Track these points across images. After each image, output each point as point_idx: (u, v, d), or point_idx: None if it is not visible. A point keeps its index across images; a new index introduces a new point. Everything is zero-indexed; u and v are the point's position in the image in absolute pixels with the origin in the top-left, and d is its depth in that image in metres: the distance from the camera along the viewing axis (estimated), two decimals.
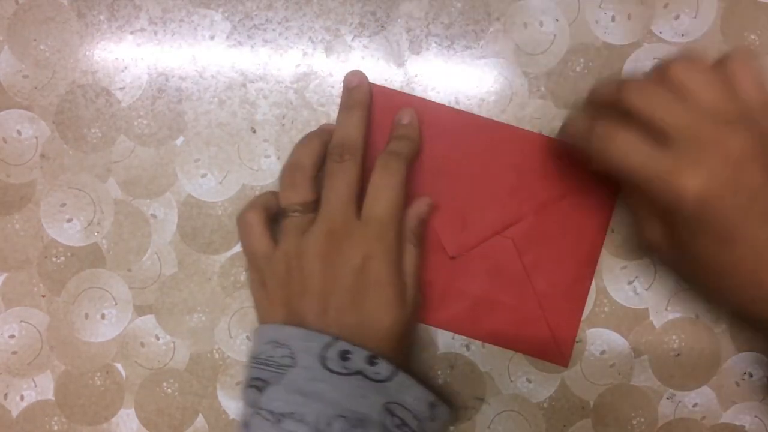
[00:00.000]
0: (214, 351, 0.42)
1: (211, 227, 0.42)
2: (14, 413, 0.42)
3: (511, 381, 0.41)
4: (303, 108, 0.41)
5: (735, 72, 0.33)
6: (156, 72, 0.42)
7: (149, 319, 0.42)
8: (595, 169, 0.35)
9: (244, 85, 0.41)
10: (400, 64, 0.41)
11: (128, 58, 0.42)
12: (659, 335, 0.41)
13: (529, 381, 0.41)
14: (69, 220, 0.42)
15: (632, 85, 0.33)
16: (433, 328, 0.41)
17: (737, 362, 0.41)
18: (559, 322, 0.41)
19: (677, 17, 0.41)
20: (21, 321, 0.42)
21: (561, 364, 0.41)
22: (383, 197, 0.36)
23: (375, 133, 0.40)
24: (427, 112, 0.40)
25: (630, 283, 0.41)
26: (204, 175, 0.42)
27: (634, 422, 0.42)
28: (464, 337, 0.41)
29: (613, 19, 0.41)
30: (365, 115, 0.39)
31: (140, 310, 0.42)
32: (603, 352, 0.42)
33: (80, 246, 0.42)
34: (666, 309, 0.41)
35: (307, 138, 0.39)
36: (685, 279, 0.39)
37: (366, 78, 0.40)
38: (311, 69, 0.41)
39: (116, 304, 0.42)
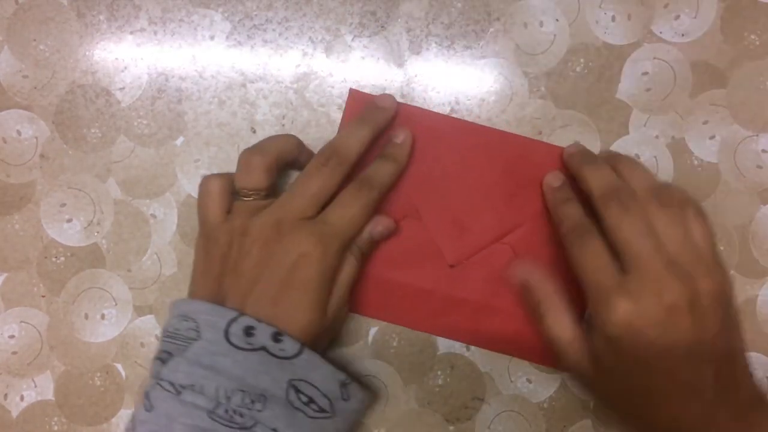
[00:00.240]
0: None
1: None
2: (14, 413, 0.42)
3: (511, 381, 0.41)
4: (303, 108, 0.41)
5: (691, 221, 0.35)
6: (156, 72, 0.42)
7: (149, 320, 0.42)
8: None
9: (244, 85, 0.41)
10: (400, 64, 0.41)
11: (128, 58, 0.42)
12: None
13: (529, 381, 0.41)
14: (69, 220, 0.42)
15: (614, 204, 0.35)
16: None
17: None
18: None
19: (677, 17, 0.41)
20: (21, 321, 0.42)
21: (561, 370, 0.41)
22: (344, 210, 0.36)
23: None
24: (420, 120, 0.40)
25: None
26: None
27: None
28: None
29: (613, 19, 0.41)
30: (374, 136, 0.38)
31: (140, 311, 0.42)
32: None
33: (80, 246, 0.42)
34: None
35: (284, 135, 0.39)
36: (602, 401, 0.40)
37: (395, 107, 0.40)
38: (311, 69, 0.41)
39: (116, 304, 0.42)
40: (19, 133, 0.42)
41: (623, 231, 0.34)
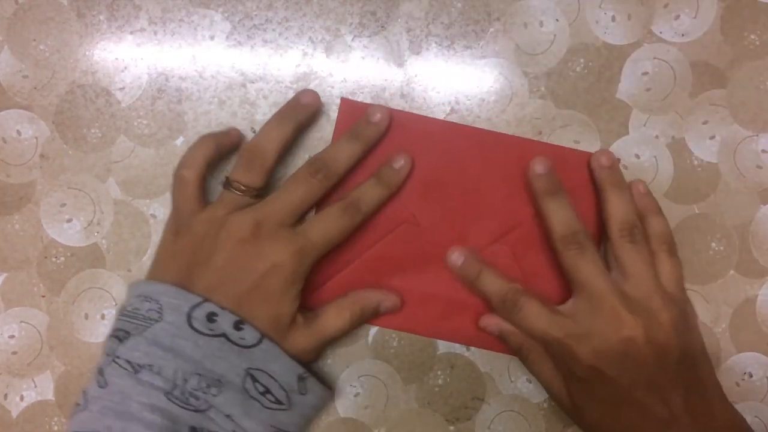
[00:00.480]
0: None
1: None
2: (14, 413, 0.42)
3: (512, 381, 0.41)
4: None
5: (663, 261, 0.38)
6: (156, 72, 0.42)
7: None
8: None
9: (244, 85, 0.41)
10: (400, 64, 0.41)
11: (128, 58, 0.42)
12: None
13: (529, 381, 0.41)
14: (69, 220, 0.42)
15: (568, 246, 0.37)
16: None
17: (737, 362, 0.41)
18: None
19: (677, 17, 0.41)
20: (21, 321, 0.42)
21: None
22: (327, 229, 0.36)
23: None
24: (415, 126, 0.40)
25: None
26: None
27: None
28: None
29: (613, 19, 0.41)
30: (364, 151, 0.39)
31: None
32: None
33: (80, 246, 0.42)
34: None
35: (282, 119, 0.39)
36: None
37: (387, 120, 0.40)
38: (311, 69, 0.41)
39: (116, 304, 0.42)
40: (19, 133, 0.42)
41: (581, 266, 0.37)
